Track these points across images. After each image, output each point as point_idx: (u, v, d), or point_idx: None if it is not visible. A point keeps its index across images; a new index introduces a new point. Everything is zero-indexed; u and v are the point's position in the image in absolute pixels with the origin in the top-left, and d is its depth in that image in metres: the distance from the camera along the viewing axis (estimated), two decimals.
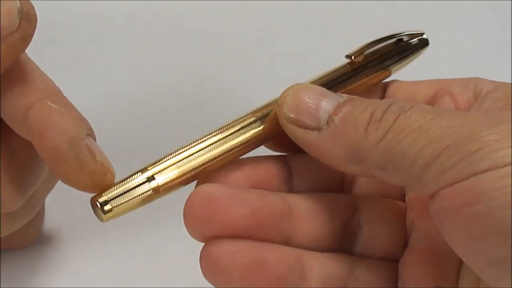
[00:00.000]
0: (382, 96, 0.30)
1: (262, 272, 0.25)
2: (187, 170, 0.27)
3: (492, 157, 0.21)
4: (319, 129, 0.25)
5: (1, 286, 0.32)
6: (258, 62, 0.46)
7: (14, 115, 0.26)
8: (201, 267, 0.26)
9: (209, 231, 0.25)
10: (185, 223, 0.26)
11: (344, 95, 0.26)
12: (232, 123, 0.28)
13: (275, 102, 0.28)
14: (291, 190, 0.29)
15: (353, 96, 0.26)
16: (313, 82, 0.29)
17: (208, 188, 0.26)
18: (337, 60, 0.29)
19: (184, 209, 0.26)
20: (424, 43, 0.30)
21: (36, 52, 0.28)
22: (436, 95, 0.29)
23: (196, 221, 0.25)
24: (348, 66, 0.29)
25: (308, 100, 0.26)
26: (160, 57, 0.46)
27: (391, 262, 0.28)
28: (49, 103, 0.26)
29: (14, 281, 0.33)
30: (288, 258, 0.26)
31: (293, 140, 0.27)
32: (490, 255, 0.21)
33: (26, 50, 0.27)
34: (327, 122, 0.25)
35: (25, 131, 0.26)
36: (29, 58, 0.28)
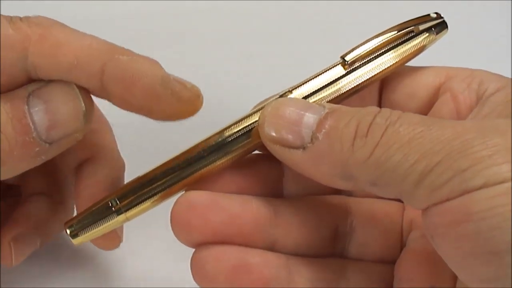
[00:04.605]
0: (380, 89, 0.29)
1: (246, 275, 0.26)
2: (159, 199, 0.27)
3: (483, 175, 0.20)
4: (303, 147, 0.24)
5: (1, 286, 0.32)
6: (260, 62, 0.46)
7: (90, 81, 0.26)
8: (191, 271, 0.27)
9: (192, 238, 0.26)
10: (172, 229, 0.27)
11: (326, 104, 0.25)
12: (214, 140, 0.27)
13: (256, 112, 0.27)
14: (280, 193, 0.29)
15: (335, 106, 0.25)
16: (303, 86, 0.27)
17: (190, 195, 0.27)
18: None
19: (170, 217, 0.27)
20: (441, 28, 0.28)
21: None
22: (438, 90, 0.28)
23: (179, 228, 0.26)
24: (341, 68, 0.27)
25: (289, 117, 0.25)
26: (160, 57, 0.46)
27: (387, 264, 0.28)
28: (120, 57, 0.26)
29: (14, 282, 0.33)
30: (273, 262, 0.27)
31: (279, 160, 0.26)
32: (481, 273, 0.21)
33: None
34: (311, 140, 0.24)
35: (105, 93, 0.27)
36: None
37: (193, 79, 0.45)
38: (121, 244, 0.31)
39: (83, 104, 0.26)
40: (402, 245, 0.28)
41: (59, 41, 0.26)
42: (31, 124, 0.25)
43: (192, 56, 0.47)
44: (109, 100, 0.27)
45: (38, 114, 0.26)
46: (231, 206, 0.27)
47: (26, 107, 0.25)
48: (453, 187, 0.21)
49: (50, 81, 0.26)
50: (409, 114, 0.23)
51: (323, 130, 0.24)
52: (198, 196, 0.27)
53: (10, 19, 0.26)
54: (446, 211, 0.21)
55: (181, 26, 0.48)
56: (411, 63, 0.29)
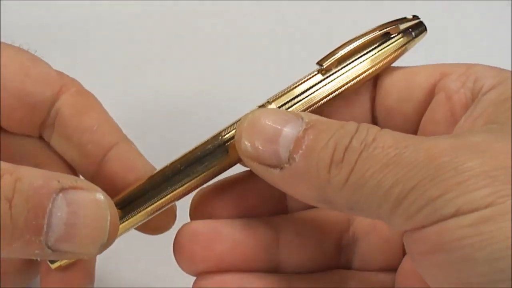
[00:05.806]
0: (372, 94, 0.28)
1: None
2: (142, 216, 0.27)
3: (454, 204, 0.20)
4: (281, 167, 0.24)
5: (1, 286, 0.32)
6: (255, 65, 0.46)
7: (93, 150, 0.28)
8: None
9: (195, 267, 0.26)
10: (175, 260, 0.27)
11: (305, 116, 0.24)
12: (191, 155, 0.26)
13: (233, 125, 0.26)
14: (284, 208, 0.28)
15: (314, 119, 0.24)
16: (282, 96, 0.27)
17: (193, 225, 0.27)
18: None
19: (173, 247, 0.27)
20: (420, 31, 0.27)
21: (38, 52, 0.28)
22: (434, 89, 0.26)
23: (183, 259, 0.27)
24: (319, 74, 0.27)
25: (266, 133, 0.24)
26: (160, 58, 0.46)
27: (389, 272, 0.28)
28: (132, 144, 0.29)
29: None
30: (273, 286, 0.27)
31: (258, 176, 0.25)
32: None
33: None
34: (289, 160, 0.23)
35: (100, 169, 0.28)
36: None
37: (192, 79, 0.45)
38: (117, 251, 0.31)
39: (106, 236, 0.24)
40: (404, 253, 0.28)
41: (90, 103, 0.28)
42: (45, 227, 0.22)
43: (190, 56, 0.47)
44: (96, 181, 0.27)
45: (57, 221, 0.23)
46: (234, 233, 0.27)
47: (50, 205, 0.23)
48: (426, 215, 0.20)
49: (87, 187, 0.24)
50: (385, 134, 0.22)
51: (300, 151, 0.23)
52: (201, 226, 0.27)
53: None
54: (420, 239, 0.21)
55: (180, 27, 0.49)
56: (406, 64, 0.28)
